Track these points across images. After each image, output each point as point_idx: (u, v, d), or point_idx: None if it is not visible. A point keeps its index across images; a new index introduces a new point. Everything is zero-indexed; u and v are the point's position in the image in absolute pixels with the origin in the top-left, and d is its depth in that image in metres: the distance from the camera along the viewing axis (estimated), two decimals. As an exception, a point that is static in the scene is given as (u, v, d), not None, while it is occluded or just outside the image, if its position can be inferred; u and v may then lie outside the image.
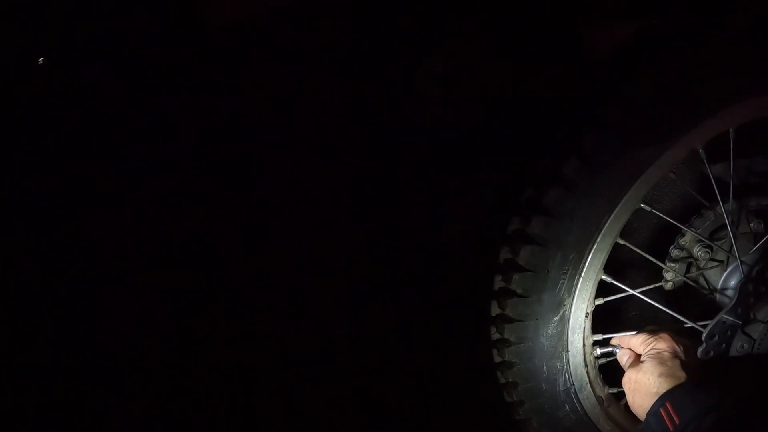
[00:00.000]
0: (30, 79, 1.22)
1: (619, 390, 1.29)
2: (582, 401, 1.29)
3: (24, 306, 1.34)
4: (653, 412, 1.07)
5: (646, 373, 1.12)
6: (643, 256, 1.25)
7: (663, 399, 1.07)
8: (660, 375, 1.10)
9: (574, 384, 1.28)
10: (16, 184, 1.28)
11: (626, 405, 1.27)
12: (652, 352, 1.16)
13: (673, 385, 1.08)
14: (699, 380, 1.10)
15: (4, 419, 1.36)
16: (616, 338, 1.27)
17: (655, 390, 1.09)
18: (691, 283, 1.30)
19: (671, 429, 1.03)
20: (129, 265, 1.36)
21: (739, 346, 1.19)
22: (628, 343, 1.23)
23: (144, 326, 1.39)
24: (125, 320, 1.38)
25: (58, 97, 1.24)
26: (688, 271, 1.32)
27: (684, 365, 1.13)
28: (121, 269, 1.35)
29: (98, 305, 1.36)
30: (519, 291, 1.19)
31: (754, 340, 1.19)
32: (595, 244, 1.17)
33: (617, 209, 1.15)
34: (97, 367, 1.38)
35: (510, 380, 1.28)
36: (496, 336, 1.27)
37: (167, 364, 1.42)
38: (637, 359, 1.19)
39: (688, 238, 1.29)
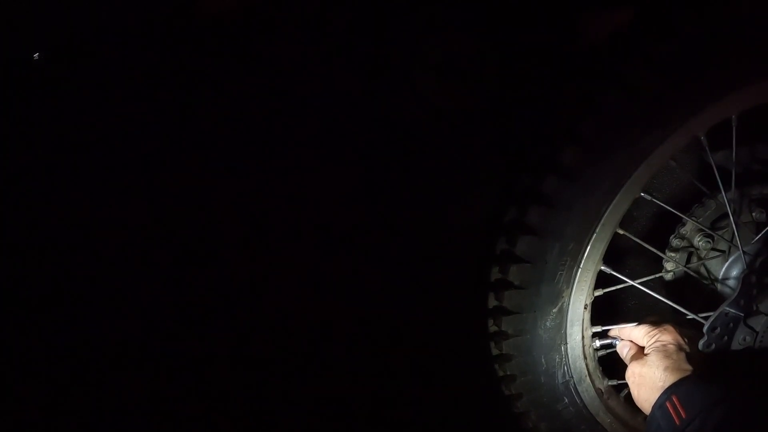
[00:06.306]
0: (26, 74, 1.21)
1: (619, 382, 1.27)
2: (581, 394, 1.28)
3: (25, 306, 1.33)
4: (659, 405, 1.05)
5: (651, 366, 1.10)
6: (642, 246, 1.23)
7: (669, 392, 1.05)
8: (666, 368, 1.09)
9: (573, 376, 1.26)
10: (12, 181, 1.27)
11: (626, 397, 1.26)
12: (657, 344, 1.14)
13: (679, 378, 1.06)
14: (705, 373, 1.09)
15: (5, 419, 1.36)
16: (615, 330, 1.25)
17: (660, 383, 1.07)
18: (691, 273, 1.28)
19: (678, 423, 1.01)
20: (128, 264, 1.35)
21: (741, 338, 1.17)
22: (629, 335, 1.22)
23: (145, 325, 1.38)
24: (124, 319, 1.37)
25: (53, 93, 1.23)
26: (688, 261, 1.30)
27: (689, 357, 1.11)
28: (120, 267, 1.35)
29: (97, 304, 1.36)
30: (516, 282, 1.16)
31: (757, 333, 1.17)
32: (594, 234, 1.15)
33: (617, 198, 1.13)
34: (97, 368, 1.38)
35: (508, 373, 1.26)
36: (493, 328, 1.25)
37: (169, 361, 1.41)
38: (640, 351, 1.17)
39: (688, 227, 1.27)
